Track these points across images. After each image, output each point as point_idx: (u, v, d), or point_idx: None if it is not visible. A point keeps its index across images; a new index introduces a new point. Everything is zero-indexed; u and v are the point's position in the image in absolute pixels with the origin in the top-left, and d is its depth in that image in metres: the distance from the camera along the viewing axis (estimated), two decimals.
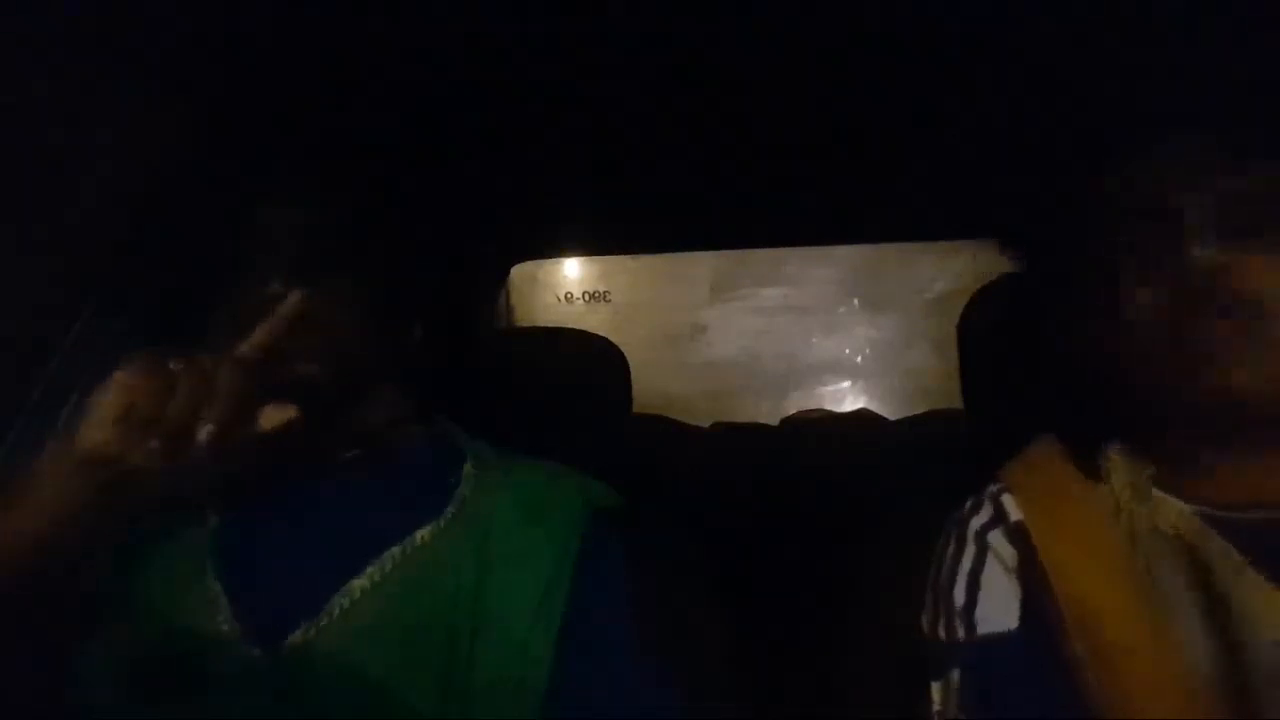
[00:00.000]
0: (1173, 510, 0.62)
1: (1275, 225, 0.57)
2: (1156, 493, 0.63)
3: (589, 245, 1.94)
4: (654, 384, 2.23)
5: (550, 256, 1.87)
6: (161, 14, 0.75)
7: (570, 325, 1.35)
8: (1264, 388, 0.55)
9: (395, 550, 0.69)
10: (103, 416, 0.56)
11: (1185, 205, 0.58)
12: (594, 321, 2.66)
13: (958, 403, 1.06)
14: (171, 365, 0.57)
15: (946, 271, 2.66)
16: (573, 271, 2.82)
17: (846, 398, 2.87)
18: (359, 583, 0.67)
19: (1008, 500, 0.69)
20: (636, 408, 1.25)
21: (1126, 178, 0.62)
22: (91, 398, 0.57)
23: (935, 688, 0.66)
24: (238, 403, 0.59)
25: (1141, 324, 0.59)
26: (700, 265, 2.86)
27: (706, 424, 1.65)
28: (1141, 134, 0.62)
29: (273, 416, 0.61)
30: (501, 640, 0.66)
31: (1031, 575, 0.64)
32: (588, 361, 1.17)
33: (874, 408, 2.07)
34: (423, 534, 0.70)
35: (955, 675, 0.65)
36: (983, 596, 0.66)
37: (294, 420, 0.61)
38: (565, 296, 2.81)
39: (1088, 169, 0.64)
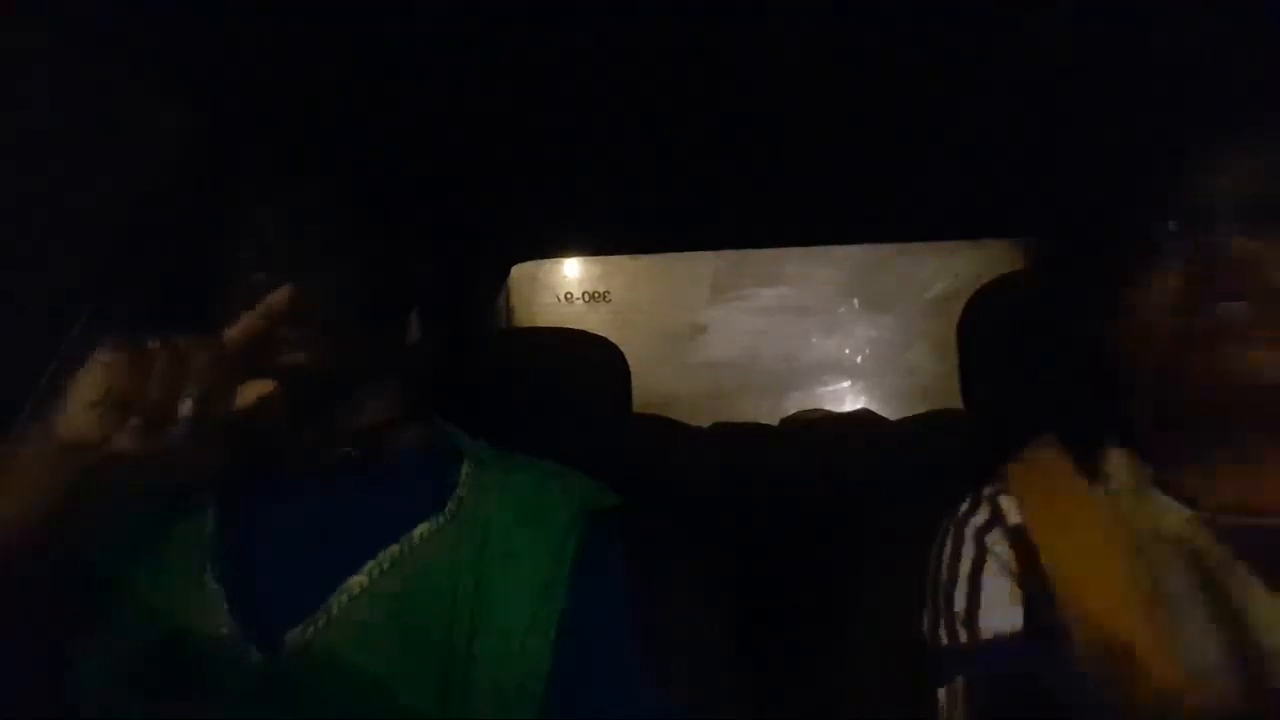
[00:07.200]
0: (1173, 513, 0.62)
1: None
2: (1156, 495, 0.63)
3: (589, 245, 1.94)
4: (654, 384, 2.23)
5: (550, 256, 1.87)
6: (160, 13, 0.75)
7: (570, 325, 1.35)
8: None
9: (393, 548, 0.69)
10: (81, 398, 0.56)
11: (1215, 193, 0.58)
12: (594, 321, 2.66)
13: (958, 403, 1.06)
14: (148, 346, 0.57)
15: (946, 271, 2.66)
16: (573, 271, 2.81)
17: (846, 398, 2.87)
18: (357, 579, 0.67)
19: (1005, 501, 0.69)
20: (636, 408, 1.25)
21: (1153, 169, 0.61)
22: (70, 382, 0.57)
23: (941, 693, 0.66)
24: (215, 380, 0.58)
25: (1161, 309, 0.58)
26: (700, 265, 2.86)
27: (706, 424, 1.64)
28: (1161, 127, 0.62)
29: (249, 391, 0.61)
30: (500, 640, 0.66)
31: (1033, 577, 0.64)
32: (588, 361, 1.17)
33: (874, 408, 2.07)
34: (421, 532, 0.70)
35: (961, 681, 0.65)
36: (984, 599, 0.66)
37: (272, 395, 0.61)
38: (565, 296, 2.81)
39: (1096, 163, 0.64)
